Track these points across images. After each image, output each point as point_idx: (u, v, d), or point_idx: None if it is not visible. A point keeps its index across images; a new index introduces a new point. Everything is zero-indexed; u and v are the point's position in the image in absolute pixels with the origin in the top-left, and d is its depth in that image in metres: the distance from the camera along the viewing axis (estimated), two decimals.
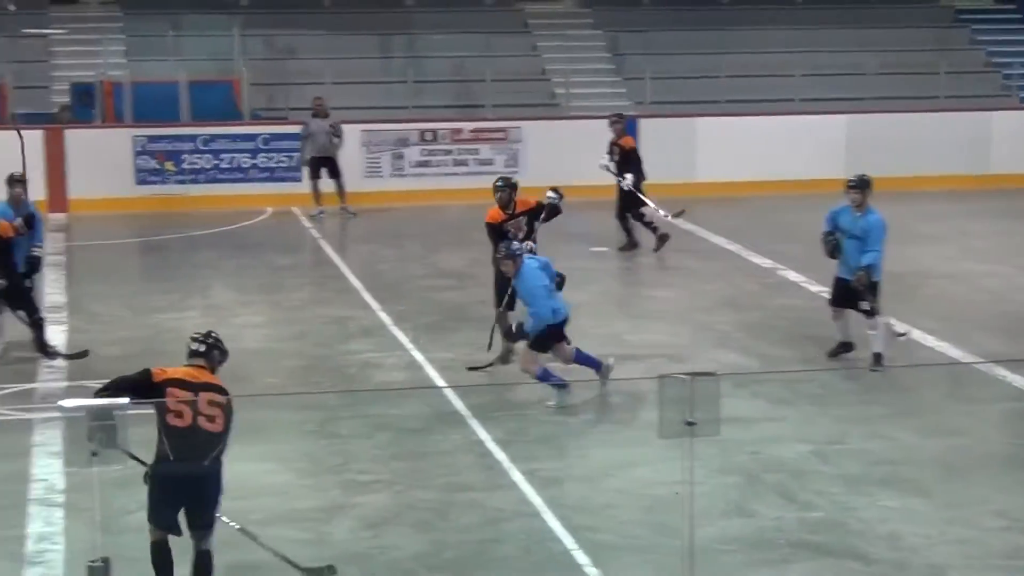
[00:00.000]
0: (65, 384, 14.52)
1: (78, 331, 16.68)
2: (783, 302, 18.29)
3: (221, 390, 9.14)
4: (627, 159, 21.45)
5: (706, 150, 26.94)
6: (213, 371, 9.30)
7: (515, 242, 14.15)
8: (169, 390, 8.99)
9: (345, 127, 25.49)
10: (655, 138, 26.58)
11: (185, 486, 9.05)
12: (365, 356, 15.71)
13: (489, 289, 15.52)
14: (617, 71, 30.10)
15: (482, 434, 12.92)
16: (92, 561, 8.29)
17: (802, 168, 26.47)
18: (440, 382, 14.49)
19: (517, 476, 11.88)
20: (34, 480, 11.66)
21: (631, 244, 21.62)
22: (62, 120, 26.24)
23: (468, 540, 10.71)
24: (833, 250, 14.99)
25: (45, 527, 10.66)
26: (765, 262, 20.61)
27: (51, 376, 14.91)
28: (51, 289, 18.91)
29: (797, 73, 28.81)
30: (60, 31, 29.08)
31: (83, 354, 15.48)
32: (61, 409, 8.95)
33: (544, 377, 13.65)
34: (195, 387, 9.06)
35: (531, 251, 14.45)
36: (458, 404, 13.66)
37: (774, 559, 10.26)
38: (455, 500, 11.43)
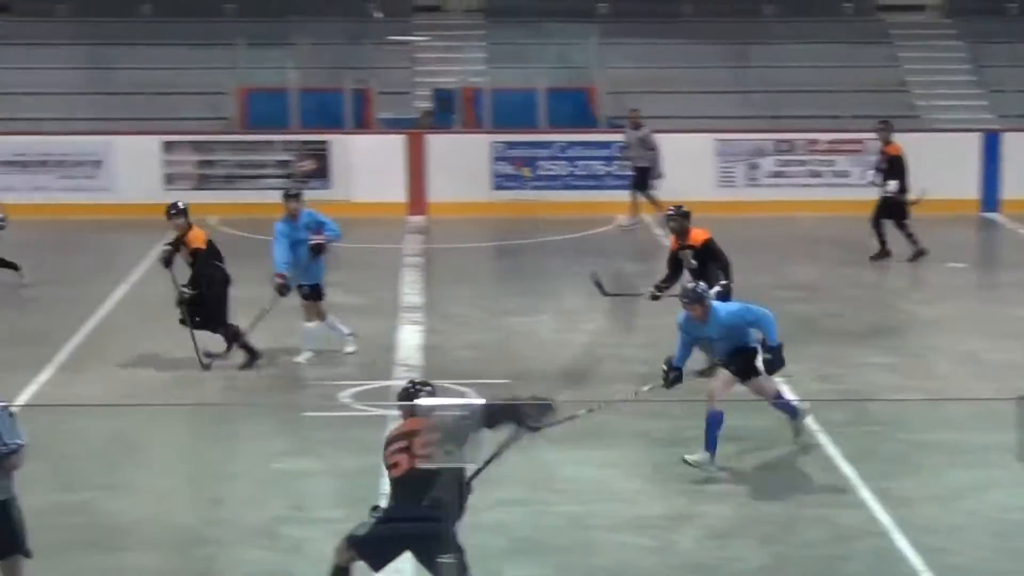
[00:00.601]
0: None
1: (434, 331, 17.07)
2: None
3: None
4: (892, 166, 21.23)
5: None
6: None
7: (701, 283, 13.14)
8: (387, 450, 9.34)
9: (698, 136, 25.49)
10: (1018, 153, 25.80)
11: (408, 532, 9.05)
12: None
13: (841, 304, 15.32)
14: (979, 83, 29.30)
15: (831, 450, 12.76)
16: (443, 557, 8.42)
17: None
18: (788, 395, 14.32)
19: (865, 493, 11.70)
20: (386, 476, 11.93)
21: (883, 253, 21.13)
22: (424, 125, 26.89)
23: (813, 556, 10.60)
24: None
25: None
26: None
27: (406, 375, 15.28)
28: (409, 290, 19.44)
29: None
30: (424, 38, 29.81)
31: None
32: (417, 408, 9.14)
33: (713, 421, 12.38)
34: (409, 436, 9.21)
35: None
36: (808, 418, 13.47)
37: None
38: (801, 515, 11.32)
